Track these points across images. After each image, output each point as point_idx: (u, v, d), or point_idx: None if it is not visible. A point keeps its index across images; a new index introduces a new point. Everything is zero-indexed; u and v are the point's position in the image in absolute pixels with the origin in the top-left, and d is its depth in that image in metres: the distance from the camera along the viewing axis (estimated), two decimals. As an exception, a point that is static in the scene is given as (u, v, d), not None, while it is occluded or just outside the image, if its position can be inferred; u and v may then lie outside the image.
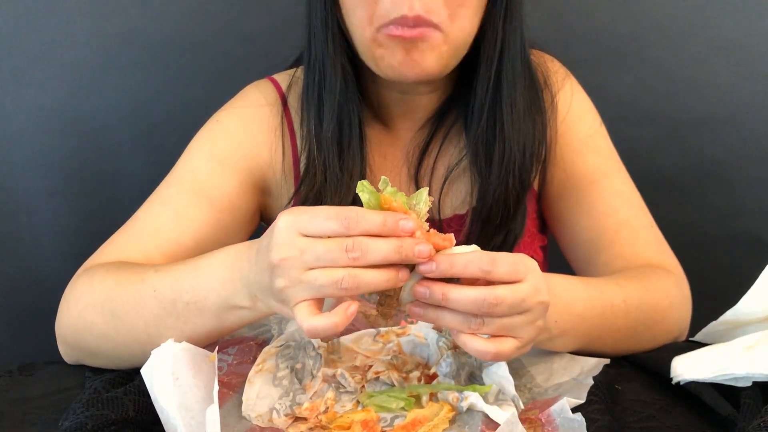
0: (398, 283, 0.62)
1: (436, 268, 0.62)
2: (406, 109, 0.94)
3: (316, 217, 0.62)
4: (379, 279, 0.61)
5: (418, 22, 0.78)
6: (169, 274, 0.73)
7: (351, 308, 0.62)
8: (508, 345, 0.64)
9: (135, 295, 0.74)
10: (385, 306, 0.66)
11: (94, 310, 0.77)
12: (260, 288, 0.66)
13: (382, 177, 0.65)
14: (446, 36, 0.81)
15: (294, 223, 0.62)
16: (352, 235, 0.61)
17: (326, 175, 0.89)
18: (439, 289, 0.63)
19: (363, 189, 0.64)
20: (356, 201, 0.87)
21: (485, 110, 0.89)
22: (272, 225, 0.64)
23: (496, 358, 0.65)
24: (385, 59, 0.82)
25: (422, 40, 0.80)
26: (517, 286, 0.63)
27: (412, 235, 0.62)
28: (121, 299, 0.75)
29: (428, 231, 0.64)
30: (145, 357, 0.67)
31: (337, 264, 0.61)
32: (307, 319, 0.61)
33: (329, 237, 0.61)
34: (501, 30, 0.87)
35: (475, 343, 0.64)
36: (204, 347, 0.71)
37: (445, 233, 0.65)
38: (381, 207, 0.63)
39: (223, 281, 0.69)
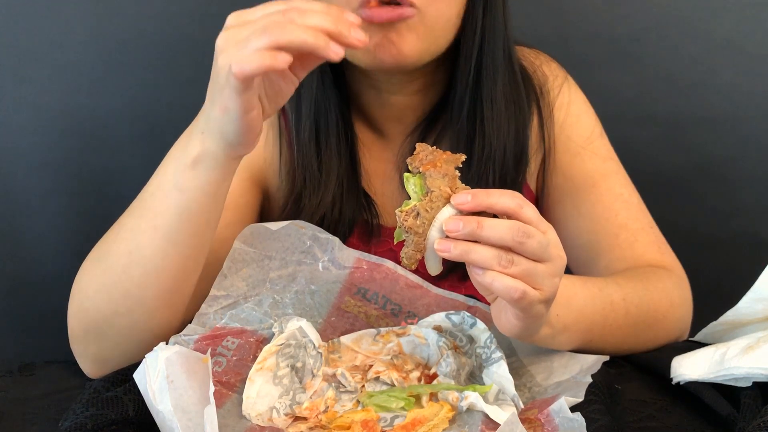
0: (326, 46, 0.61)
1: (471, 199, 0.63)
2: (394, 113, 0.93)
3: (257, 8, 0.64)
4: (307, 33, 0.60)
5: None
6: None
7: (281, 56, 0.60)
8: (533, 290, 0.63)
9: (113, 230, 0.76)
10: (411, 247, 0.64)
11: (86, 273, 0.76)
12: (207, 109, 0.69)
13: None
14: (422, 16, 0.78)
15: (239, 15, 0.64)
16: None
17: (305, 174, 0.89)
18: (474, 219, 0.62)
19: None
20: (326, 215, 0.88)
21: (465, 105, 0.88)
22: None
23: (523, 298, 0.62)
24: None
25: (400, 19, 0.77)
26: (544, 231, 0.64)
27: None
28: (104, 242, 0.77)
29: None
30: (135, 299, 0.71)
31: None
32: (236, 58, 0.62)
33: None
34: (480, 24, 0.85)
35: (505, 280, 0.62)
36: (186, 257, 0.73)
37: None
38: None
39: (177, 149, 0.73)
